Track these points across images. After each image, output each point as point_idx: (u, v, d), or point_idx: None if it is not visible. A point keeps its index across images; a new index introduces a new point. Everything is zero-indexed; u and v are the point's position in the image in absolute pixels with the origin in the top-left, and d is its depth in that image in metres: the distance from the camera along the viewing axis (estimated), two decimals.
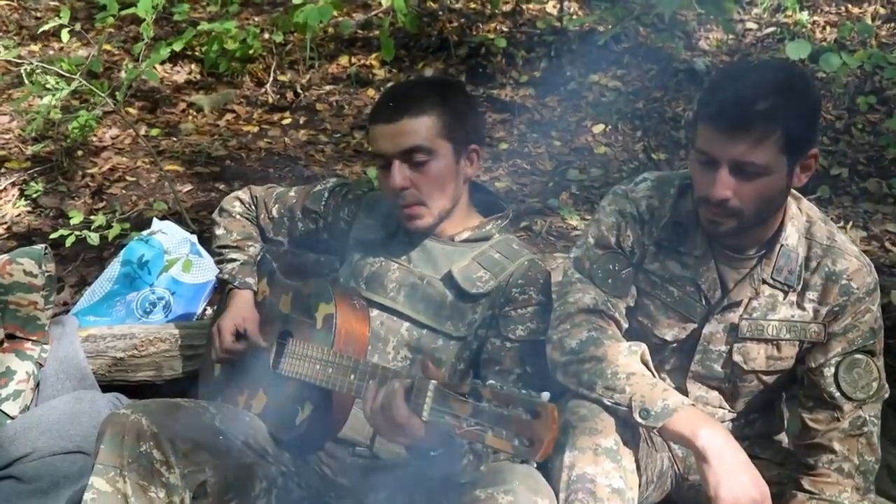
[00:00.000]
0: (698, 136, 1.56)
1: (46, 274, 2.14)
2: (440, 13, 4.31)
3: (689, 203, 1.67)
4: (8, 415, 1.99)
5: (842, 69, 3.36)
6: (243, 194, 2.09)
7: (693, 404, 1.55)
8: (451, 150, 1.75)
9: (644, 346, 1.64)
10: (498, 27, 4.29)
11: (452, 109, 1.75)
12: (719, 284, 1.67)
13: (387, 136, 1.73)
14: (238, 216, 2.05)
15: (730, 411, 1.76)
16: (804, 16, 4.12)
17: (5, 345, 2.06)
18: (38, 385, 2.08)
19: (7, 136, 3.58)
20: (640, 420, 1.53)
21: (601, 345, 1.61)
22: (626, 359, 1.59)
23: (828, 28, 4.09)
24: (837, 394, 1.63)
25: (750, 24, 4.21)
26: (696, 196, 1.62)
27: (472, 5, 4.47)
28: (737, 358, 1.69)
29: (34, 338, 2.10)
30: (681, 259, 1.69)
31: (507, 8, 4.42)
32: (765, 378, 1.72)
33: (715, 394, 1.75)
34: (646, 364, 1.61)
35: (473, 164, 1.81)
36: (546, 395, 1.29)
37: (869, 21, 4.04)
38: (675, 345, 1.73)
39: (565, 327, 1.66)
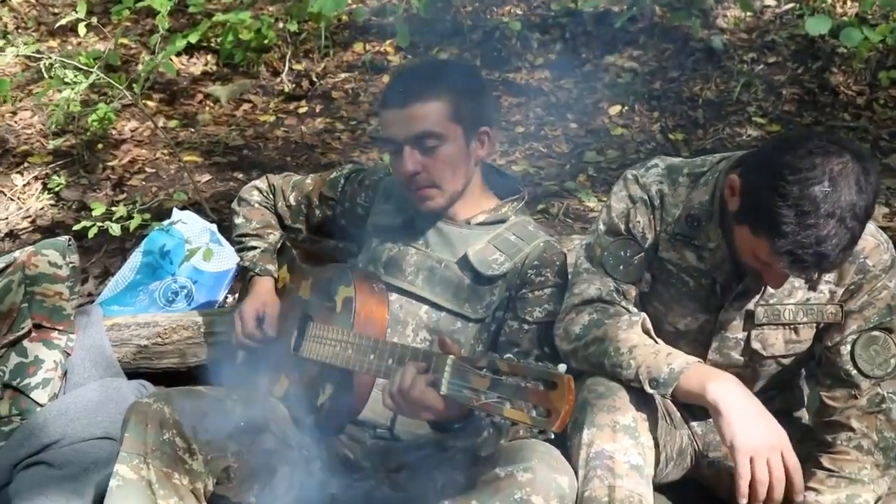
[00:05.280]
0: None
1: (70, 265, 2.18)
2: None
3: (703, 194, 1.65)
4: (38, 402, 2.03)
5: (863, 44, 3.31)
6: (261, 183, 2.10)
7: (700, 361, 1.56)
8: (461, 133, 1.75)
9: (644, 315, 1.65)
10: (512, 10, 4.27)
11: (461, 92, 1.75)
12: (736, 275, 1.65)
13: (397, 122, 1.74)
14: (256, 205, 2.07)
15: None
16: None
17: (33, 334, 2.10)
18: (65, 373, 2.12)
19: (29, 132, 3.63)
20: (651, 390, 1.55)
21: (602, 325, 1.63)
22: (626, 333, 1.60)
23: (849, 2, 4.02)
24: (854, 371, 1.63)
25: (769, 1, 4.15)
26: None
27: None
28: (755, 345, 1.69)
29: (60, 327, 2.13)
30: (697, 251, 1.67)
31: None
32: (783, 361, 1.72)
33: None
34: (647, 332, 1.62)
35: (485, 146, 1.81)
36: (563, 367, 1.31)
37: None
38: (688, 334, 1.72)
39: (571, 317, 1.68)
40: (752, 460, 1.47)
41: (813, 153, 1.42)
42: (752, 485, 1.47)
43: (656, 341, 1.62)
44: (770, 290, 1.65)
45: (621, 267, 1.70)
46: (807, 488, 1.59)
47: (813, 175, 1.40)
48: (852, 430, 1.63)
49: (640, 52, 3.95)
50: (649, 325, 1.64)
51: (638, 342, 1.59)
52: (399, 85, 1.78)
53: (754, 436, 1.47)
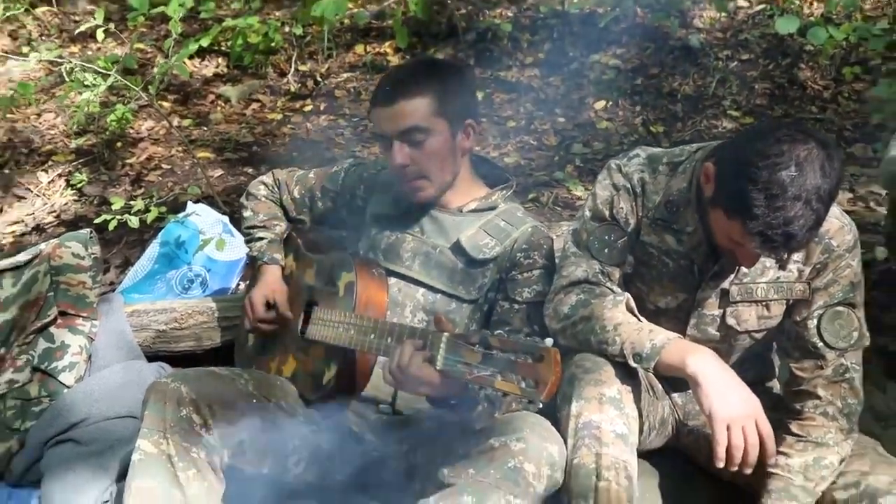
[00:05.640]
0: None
1: (93, 256, 2.18)
2: (449, 1, 4.28)
3: (681, 182, 1.65)
4: (65, 384, 2.03)
5: (828, 42, 3.30)
6: (267, 178, 2.10)
7: (679, 337, 1.56)
8: (447, 127, 1.75)
9: (628, 295, 1.64)
10: (503, 12, 4.25)
11: (445, 88, 1.74)
12: (712, 257, 1.65)
13: (386, 118, 1.73)
14: (263, 199, 2.07)
15: None
16: None
17: (59, 321, 2.10)
18: (90, 357, 2.13)
19: (53, 132, 3.63)
20: (634, 364, 1.55)
21: (588, 305, 1.63)
22: (611, 311, 1.60)
23: (815, 3, 4.01)
24: (820, 344, 1.63)
25: (742, 2, 4.13)
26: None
27: None
28: (730, 321, 1.69)
29: (84, 314, 2.13)
30: (676, 234, 1.67)
31: None
32: (756, 336, 1.72)
33: None
34: (631, 311, 1.62)
35: (470, 138, 1.80)
36: (549, 341, 1.31)
37: None
38: (668, 312, 1.72)
39: (559, 297, 1.68)
40: (728, 428, 1.47)
41: (781, 141, 1.42)
42: (729, 450, 1.48)
43: (639, 319, 1.62)
44: (743, 269, 1.65)
45: (606, 250, 1.70)
46: (778, 452, 1.60)
47: (781, 161, 1.40)
48: (818, 398, 1.63)
49: (623, 51, 3.94)
50: (633, 304, 1.64)
51: (622, 320, 1.59)
52: (387, 84, 1.76)
53: (730, 405, 1.47)
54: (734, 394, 1.49)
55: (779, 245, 1.44)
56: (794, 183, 1.39)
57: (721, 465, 1.49)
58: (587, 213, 1.74)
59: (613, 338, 1.57)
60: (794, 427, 1.65)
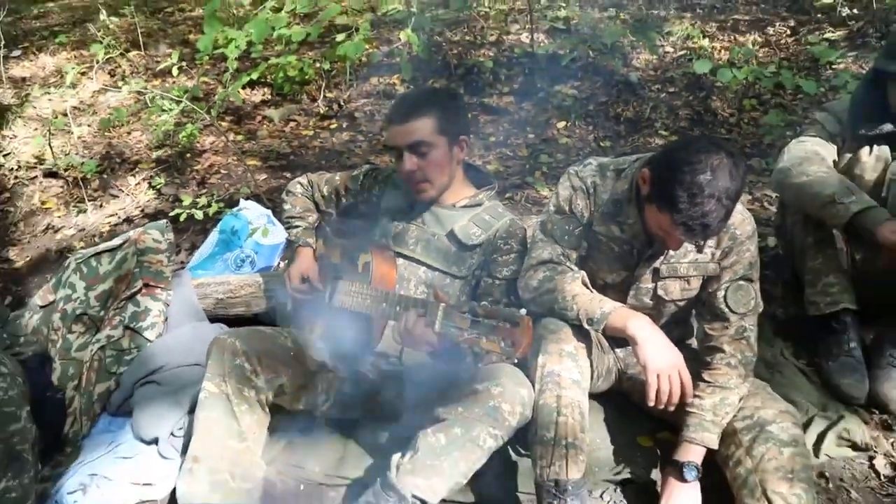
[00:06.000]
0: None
1: (168, 241, 2.16)
2: (444, 44, 4.24)
3: (624, 184, 1.64)
4: (148, 339, 2.02)
5: (733, 80, 3.33)
6: (302, 179, 2.07)
7: (622, 305, 1.56)
8: (445, 142, 1.72)
9: (583, 272, 1.64)
10: (486, 52, 4.22)
11: (445, 111, 1.72)
12: (647, 242, 1.65)
13: (398, 134, 1.70)
14: (299, 195, 2.04)
15: None
16: (706, 42, 4.08)
17: (143, 291, 2.08)
18: (166, 319, 2.11)
19: (139, 146, 3.60)
20: (587, 326, 1.55)
21: (552, 280, 1.62)
22: (570, 285, 1.59)
23: (723, 51, 4.02)
24: (726, 310, 1.62)
25: (668, 48, 4.13)
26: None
27: (467, 38, 4.39)
28: (660, 292, 1.68)
29: (162, 286, 2.11)
30: (620, 225, 1.66)
31: (492, 39, 4.35)
32: (679, 304, 1.71)
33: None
34: (585, 285, 1.61)
35: (463, 150, 1.78)
36: (524, 311, 1.31)
37: (750, 46, 3.99)
38: (613, 286, 1.71)
39: (530, 273, 1.67)
40: (658, 376, 1.47)
41: (699, 151, 1.41)
42: (658, 393, 1.48)
43: (591, 291, 1.61)
44: (671, 252, 1.64)
45: (566, 237, 1.69)
46: (693, 395, 1.59)
47: (700, 167, 1.39)
48: (723, 352, 1.63)
49: (579, 83, 3.91)
50: (587, 280, 1.63)
51: (578, 292, 1.58)
52: (399, 107, 1.74)
53: (660, 359, 1.47)
54: (663, 350, 1.48)
55: (697, 233, 1.43)
56: (709, 184, 1.39)
57: (652, 404, 1.48)
58: (551, 208, 1.72)
59: (571, 306, 1.56)
60: (705, 375, 1.64)
